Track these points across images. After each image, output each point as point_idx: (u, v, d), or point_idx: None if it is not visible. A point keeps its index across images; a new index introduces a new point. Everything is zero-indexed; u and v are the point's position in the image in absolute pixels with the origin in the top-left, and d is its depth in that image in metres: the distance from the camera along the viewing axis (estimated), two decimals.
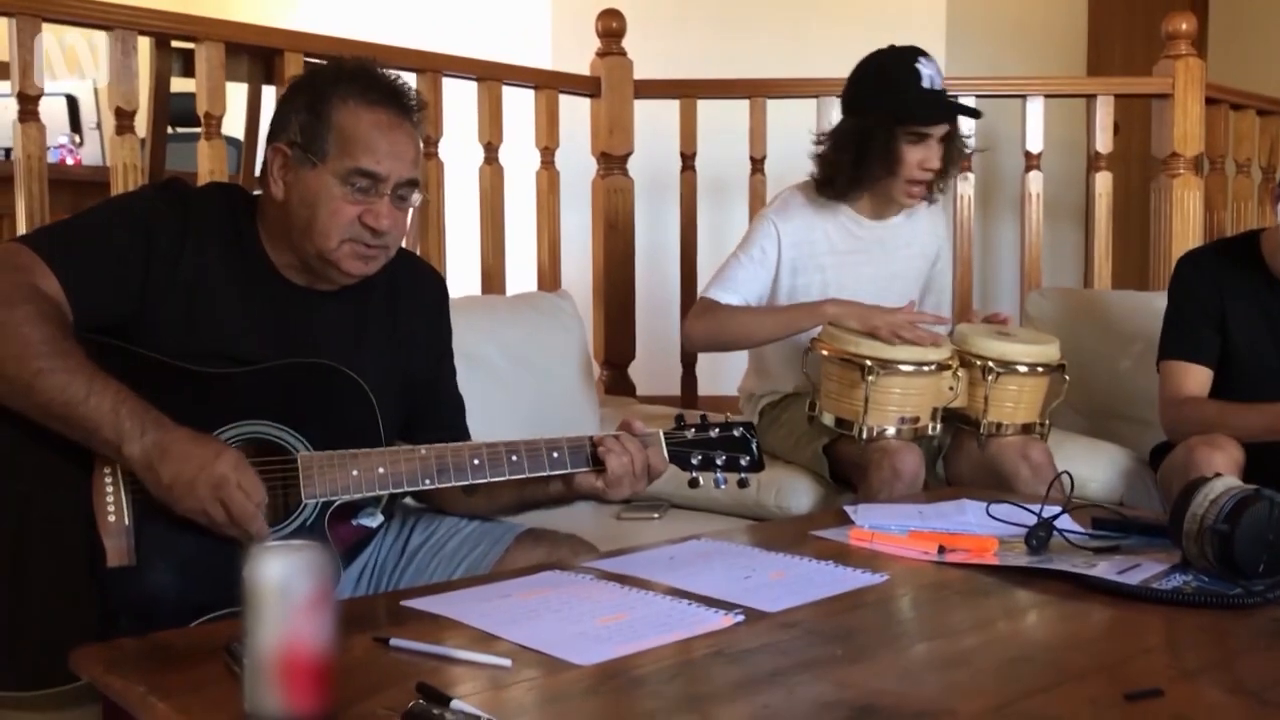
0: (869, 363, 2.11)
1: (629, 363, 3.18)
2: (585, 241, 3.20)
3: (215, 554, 1.37)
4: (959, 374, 2.18)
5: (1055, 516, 1.61)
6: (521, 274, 3.09)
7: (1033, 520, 1.60)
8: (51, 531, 1.39)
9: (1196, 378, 2.26)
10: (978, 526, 1.71)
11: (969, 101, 3.19)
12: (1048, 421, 2.28)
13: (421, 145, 1.57)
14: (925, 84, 2.27)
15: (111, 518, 1.39)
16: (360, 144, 1.49)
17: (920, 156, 2.29)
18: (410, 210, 1.58)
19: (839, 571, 1.47)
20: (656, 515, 2.34)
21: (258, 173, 1.59)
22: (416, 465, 1.50)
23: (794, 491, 2.33)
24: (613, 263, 3.15)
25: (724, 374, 3.28)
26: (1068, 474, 1.73)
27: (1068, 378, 2.27)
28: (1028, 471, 2.17)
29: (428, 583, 1.59)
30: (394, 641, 1.19)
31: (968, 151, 2.42)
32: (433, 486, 1.51)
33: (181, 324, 1.47)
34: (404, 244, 3.37)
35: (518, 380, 2.44)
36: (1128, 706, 1.04)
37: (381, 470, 1.48)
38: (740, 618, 1.27)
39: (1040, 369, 2.24)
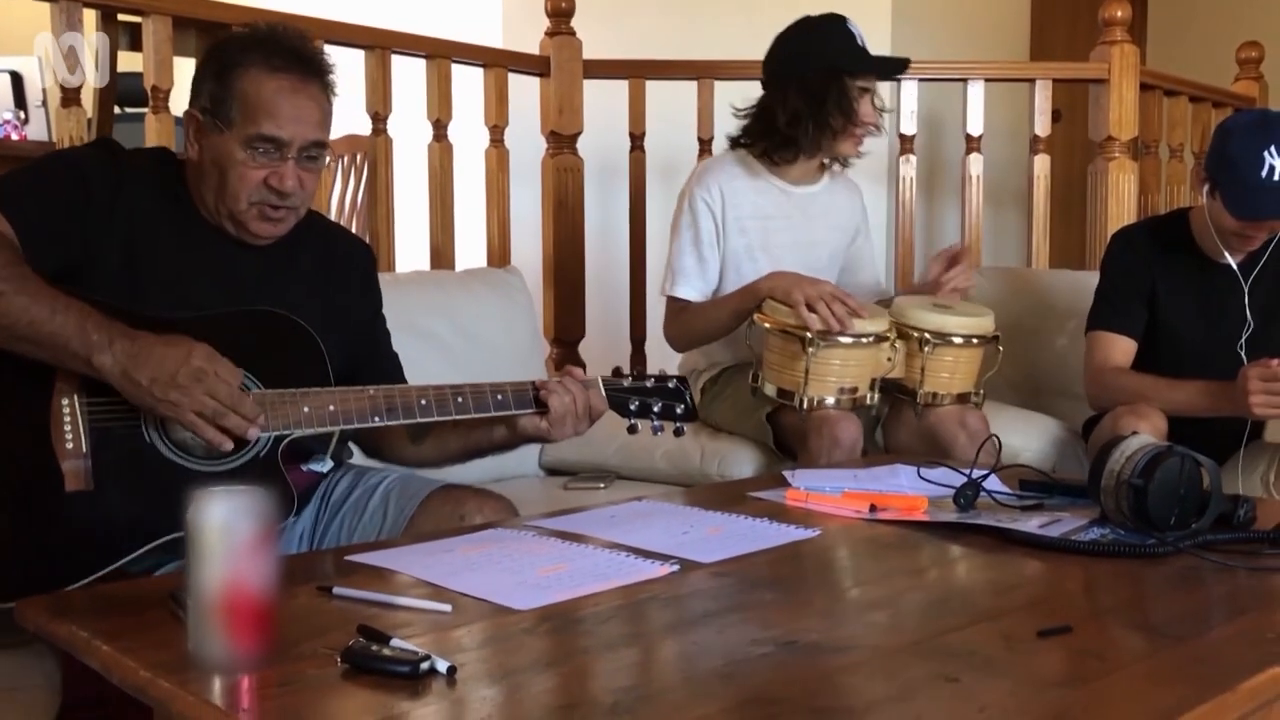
0: (809, 335, 2.16)
1: (579, 340, 3.21)
2: (535, 220, 3.23)
3: (170, 479, 1.42)
4: (896, 345, 2.24)
5: (983, 477, 1.68)
6: (471, 252, 3.10)
7: (962, 482, 1.66)
8: (7, 458, 1.42)
9: (1123, 348, 2.33)
10: (909, 488, 1.77)
11: (912, 85, 3.28)
12: (982, 391, 2.35)
13: (331, 105, 1.60)
14: (860, 42, 2.39)
15: (69, 444, 1.42)
16: (262, 110, 1.53)
17: (867, 108, 2.41)
18: (318, 172, 1.61)
19: (773, 527, 1.52)
20: (603, 485, 2.38)
21: None
22: (366, 403, 1.55)
23: (737, 461, 2.38)
24: (562, 241, 3.18)
25: (673, 354, 3.32)
26: (995, 437, 1.79)
27: (1001, 349, 2.33)
28: (965, 439, 2.24)
29: (350, 537, 1.66)
30: (337, 590, 1.22)
31: (885, 111, 2.51)
32: (381, 424, 1.55)
33: (123, 271, 1.51)
34: (353, 227, 3.38)
35: (466, 355, 2.46)
36: (1038, 641, 1.10)
37: (332, 407, 1.52)
38: (676, 568, 1.32)
39: (975, 340, 2.30)
